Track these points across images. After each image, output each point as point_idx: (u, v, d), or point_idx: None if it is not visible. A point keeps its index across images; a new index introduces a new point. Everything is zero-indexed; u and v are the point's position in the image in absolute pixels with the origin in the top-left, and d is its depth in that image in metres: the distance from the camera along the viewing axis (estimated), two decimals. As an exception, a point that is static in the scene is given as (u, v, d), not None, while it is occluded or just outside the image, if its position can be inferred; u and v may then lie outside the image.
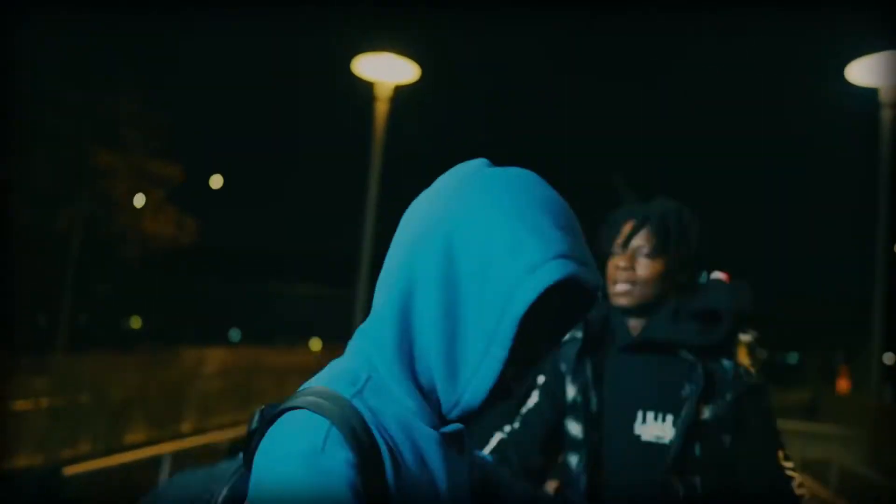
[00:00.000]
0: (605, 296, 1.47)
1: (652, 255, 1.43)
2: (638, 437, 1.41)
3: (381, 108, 9.01)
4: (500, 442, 1.54)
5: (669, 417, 1.39)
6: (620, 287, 1.44)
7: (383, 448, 0.73)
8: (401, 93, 9.38)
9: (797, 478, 1.34)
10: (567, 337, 1.50)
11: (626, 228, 1.45)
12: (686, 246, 1.46)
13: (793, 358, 32.56)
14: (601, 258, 1.49)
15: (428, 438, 0.78)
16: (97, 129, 10.91)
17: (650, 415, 1.41)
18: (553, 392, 1.54)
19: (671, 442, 1.37)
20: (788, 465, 1.35)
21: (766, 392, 1.41)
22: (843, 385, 19.87)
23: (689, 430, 1.35)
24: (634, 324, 1.47)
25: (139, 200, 11.37)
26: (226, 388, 8.32)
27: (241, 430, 6.38)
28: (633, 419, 1.42)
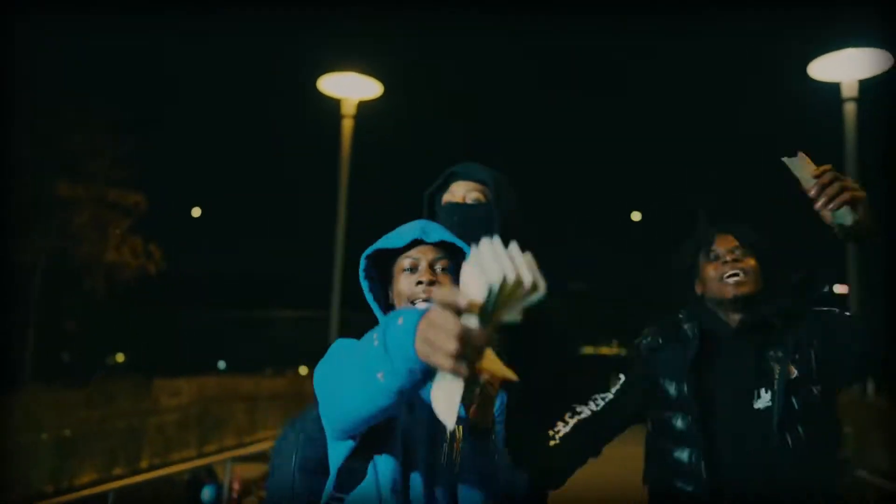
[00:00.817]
0: (693, 300, 1.80)
1: (747, 255, 1.71)
2: (757, 410, 1.63)
3: (347, 125, 9.15)
4: (579, 422, 1.77)
5: (775, 382, 1.64)
6: (734, 279, 1.69)
7: None
8: (365, 108, 9.53)
9: None
10: (650, 341, 1.80)
11: (720, 239, 1.75)
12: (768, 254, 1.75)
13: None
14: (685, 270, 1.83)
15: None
16: (57, 160, 10.78)
17: (762, 390, 1.64)
18: (641, 390, 1.77)
19: (773, 402, 1.61)
20: None
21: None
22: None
23: (787, 389, 1.60)
24: (733, 316, 1.72)
25: (101, 231, 11.20)
26: (190, 419, 8.06)
27: (204, 461, 6.11)
28: (752, 397, 1.64)
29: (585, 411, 1.79)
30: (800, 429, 1.61)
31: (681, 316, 1.79)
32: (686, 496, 1.66)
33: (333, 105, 9.35)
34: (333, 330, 8.69)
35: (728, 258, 1.71)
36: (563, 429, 1.77)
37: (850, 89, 7.31)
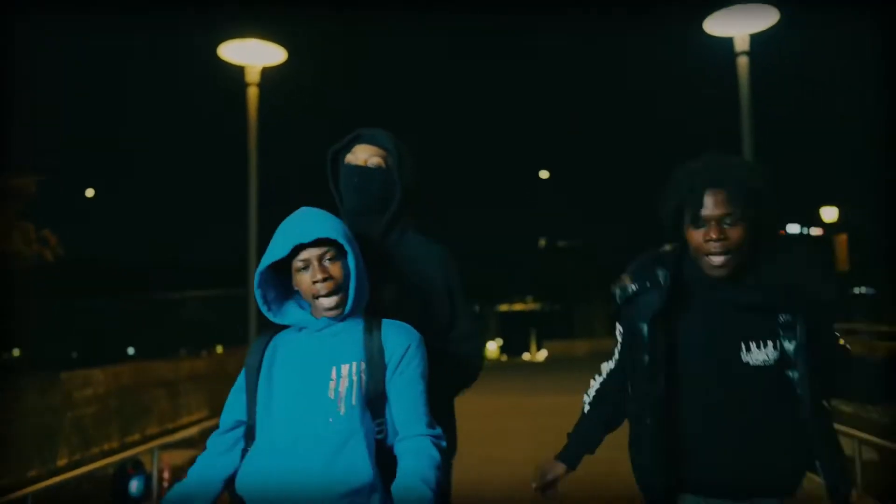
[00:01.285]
0: (679, 246, 1.74)
1: (737, 222, 1.63)
2: (747, 363, 1.68)
3: (253, 93, 8.86)
4: (598, 391, 1.93)
5: (770, 343, 1.67)
6: (717, 260, 1.65)
7: None
8: (271, 75, 9.22)
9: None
10: (635, 289, 1.74)
11: (710, 201, 1.63)
12: (765, 202, 1.67)
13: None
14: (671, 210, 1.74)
15: None
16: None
17: (752, 343, 1.68)
18: (634, 347, 1.76)
19: (777, 363, 1.66)
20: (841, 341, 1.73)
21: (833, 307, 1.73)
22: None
23: (795, 352, 1.65)
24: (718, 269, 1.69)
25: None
26: (108, 410, 7.70)
27: (128, 453, 5.83)
28: (739, 349, 1.68)
29: (596, 382, 1.93)
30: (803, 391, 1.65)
31: (653, 264, 1.75)
32: (651, 428, 1.73)
33: (238, 73, 9.01)
34: (253, 307, 8.51)
35: (713, 234, 1.63)
36: (586, 403, 1.94)
37: (742, 43, 7.81)
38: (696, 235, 1.66)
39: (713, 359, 1.70)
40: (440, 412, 1.89)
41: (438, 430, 1.63)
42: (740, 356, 1.68)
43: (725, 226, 1.62)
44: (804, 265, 1.67)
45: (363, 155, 1.94)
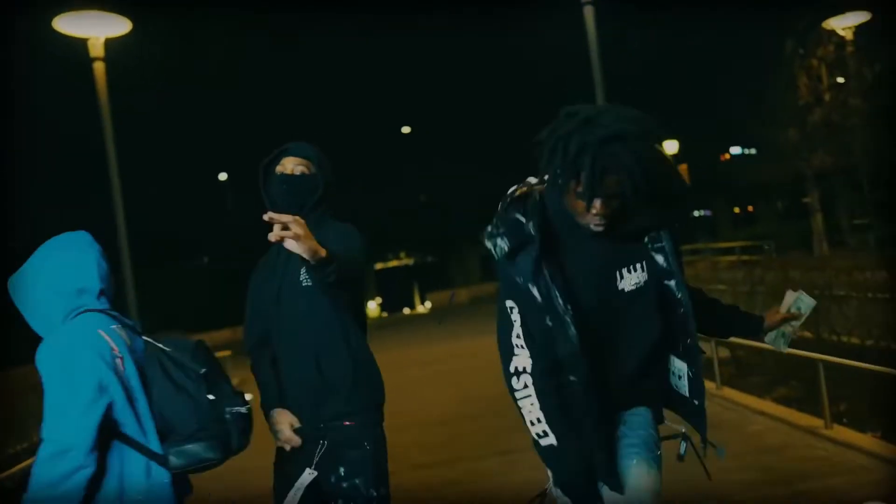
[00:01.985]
0: (588, 191, 1.62)
1: (623, 199, 1.64)
2: (622, 290, 1.76)
3: (99, 67, 8.38)
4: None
5: (639, 265, 1.76)
6: (596, 228, 1.69)
7: None
8: (116, 46, 8.76)
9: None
10: (506, 247, 1.72)
11: (604, 182, 1.59)
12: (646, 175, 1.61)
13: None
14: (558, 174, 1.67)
15: None
16: None
17: (625, 270, 1.76)
18: (526, 303, 1.75)
19: (646, 283, 1.76)
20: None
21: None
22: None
23: (667, 261, 1.78)
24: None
25: None
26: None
27: None
28: (614, 279, 1.76)
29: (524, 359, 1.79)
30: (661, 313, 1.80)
31: (518, 216, 1.73)
32: (573, 386, 1.75)
33: (81, 46, 8.46)
34: (130, 287, 8.26)
35: (597, 210, 1.64)
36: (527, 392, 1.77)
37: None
38: (579, 203, 1.65)
39: (594, 298, 1.73)
40: (367, 365, 2.30)
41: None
42: (616, 286, 1.74)
43: (612, 204, 1.64)
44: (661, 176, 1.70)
45: (290, 165, 2.35)
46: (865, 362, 4.78)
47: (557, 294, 1.69)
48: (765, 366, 6.79)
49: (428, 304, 33.98)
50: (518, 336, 1.77)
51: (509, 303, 1.78)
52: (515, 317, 1.77)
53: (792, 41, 17.56)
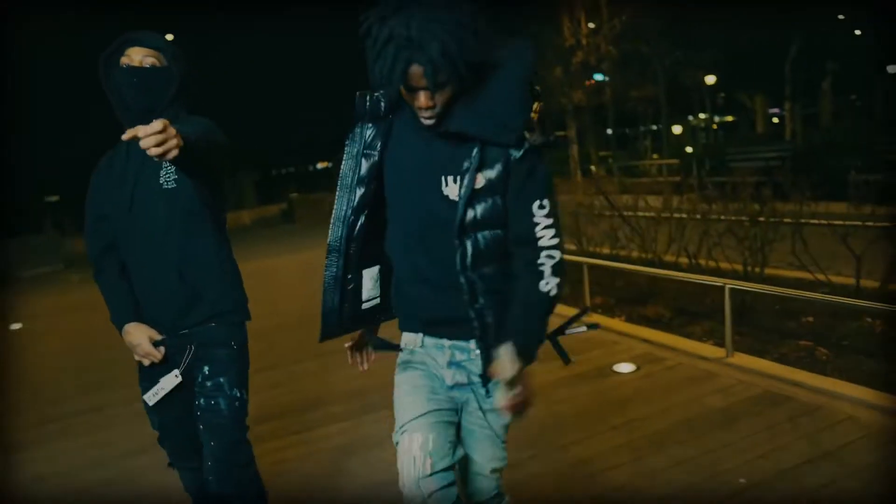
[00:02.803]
0: (388, 83, 1.55)
1: (444, 86, 1.54)
2: (446, 196, 1.65)
3: None
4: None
5: (459, 180, 1.64)
6: (427, 121, 1.61)
7: None
8: None
9: (544, 226, 1.64)
10: (359, 111, 1.70)
11: (414, 74, 1.51)
12: (464, 59, 1.51)
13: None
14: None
15: None
16: None
17: (450, 178, 1.64)
18: (353, 179, 1.75)
19: (473, 194, 1.63)
20: (542, 214, 1.64)
21: (532, 155, 1.63)
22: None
23: (468, 196, 1.62)
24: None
25: None
26: None
27: None
28: (440, 183, 1.65)
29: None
30: (478, 235, 1.65)
31: (377, 96, 1.72)
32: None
33: None
34: None
35: (422, 104, 1.58)
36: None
37: None
38: (407, 97, 1.61)
39: (416, 192, 1.69)
40: (232, 264, 2.24)
41: None
42: (441, 190, 1.65)
43: (434, 93, 1.56)
44: (506, 94, 1.61)
45: (138, 56, 2.08)
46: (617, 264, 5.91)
47: (377, 175, 1.74)
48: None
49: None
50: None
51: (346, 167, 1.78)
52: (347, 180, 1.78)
53: None
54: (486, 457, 1.85)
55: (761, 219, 5.53)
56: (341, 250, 1.79)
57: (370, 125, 1.74)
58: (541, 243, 1.64)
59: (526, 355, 1.61)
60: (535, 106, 1.62)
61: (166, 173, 2.10)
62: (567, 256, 6.04)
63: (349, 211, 1.76)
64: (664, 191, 7.23)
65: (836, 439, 3.12)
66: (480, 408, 1.80)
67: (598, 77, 19.22)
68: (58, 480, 3.61)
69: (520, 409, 1.63)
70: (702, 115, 34.76)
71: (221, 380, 2.15)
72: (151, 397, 2.19)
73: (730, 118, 35.99)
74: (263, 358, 5.42)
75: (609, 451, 3.24)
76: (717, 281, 4.57)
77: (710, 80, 28.53)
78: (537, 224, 1.64)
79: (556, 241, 1.65)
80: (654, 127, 32.01)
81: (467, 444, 1.85)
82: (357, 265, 1.83)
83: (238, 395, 2.17)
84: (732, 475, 2.90)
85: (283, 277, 10.26)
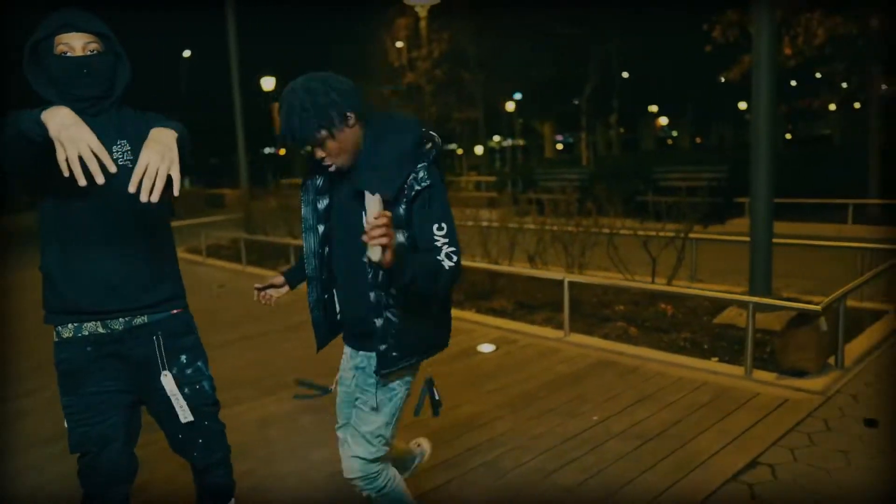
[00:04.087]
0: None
1: (327, 141, 1.94)
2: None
3: None
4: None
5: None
6: (331, 168, 2.03)
7: None
8: None
9: (442, 241, 1.95)
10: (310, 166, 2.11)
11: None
12: (327, 116, 1.90)
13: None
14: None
15: None
16: None
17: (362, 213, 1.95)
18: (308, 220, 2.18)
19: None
20: (440, 234, 1.96)
21: (428, 191, 1.97)
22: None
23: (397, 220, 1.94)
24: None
25: None
26: None
27: None
28: (361, 217, 1.96)
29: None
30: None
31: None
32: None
33: None
34: None
35: (319, 155, 2.00)
36: None
37: None
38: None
39: (342, 229, 2.10)
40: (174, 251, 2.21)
41: None
42: (363, 225, 1.86)
43: (318, 147, 1.96)
44: (394, 157, 1.97)
45: (79, 43, 1.90)
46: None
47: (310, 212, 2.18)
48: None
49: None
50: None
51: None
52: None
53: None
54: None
55: (581, 229, 6.80)
56: (319, 278, 2.22)
57: (318, 176, 2.15)
58: (442, 251, 1.96)
59: (401, 253, 1.80)
60: (430, 146, 2.03)
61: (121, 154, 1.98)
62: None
63: (317, 246, 2.18)
64: (502, 203, 8.35)
65: (653, 387, 4.26)
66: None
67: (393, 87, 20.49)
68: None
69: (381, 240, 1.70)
70: (496, 138, 38.23)
71: (199, 364, 2.17)
72: (181, 413, 2.13)
73: (521, 142, 39.79)
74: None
75: (492, 408, 4.06)
76: (559, 275, 5.66)
77: (511, 107, 31.65)
78: (437, 240, 1.96)
79: (454, 248, 1.96)
80: (454, 146, 34.85)
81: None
82: (329, 286, 2.25)
83: (210, 374, 2.22)
84: (587, 415, 3.87)
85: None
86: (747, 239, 5.51)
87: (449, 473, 3.25)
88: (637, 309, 6.12)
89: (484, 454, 3.45)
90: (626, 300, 6.31)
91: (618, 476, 3.14)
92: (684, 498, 2.93)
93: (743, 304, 5.02)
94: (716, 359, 4.75)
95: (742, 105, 33.32)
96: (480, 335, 5.64)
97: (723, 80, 13.15)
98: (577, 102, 23.12)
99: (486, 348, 5.27)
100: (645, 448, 3.42)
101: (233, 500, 2.32)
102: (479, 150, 36.23)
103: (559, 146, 39.76)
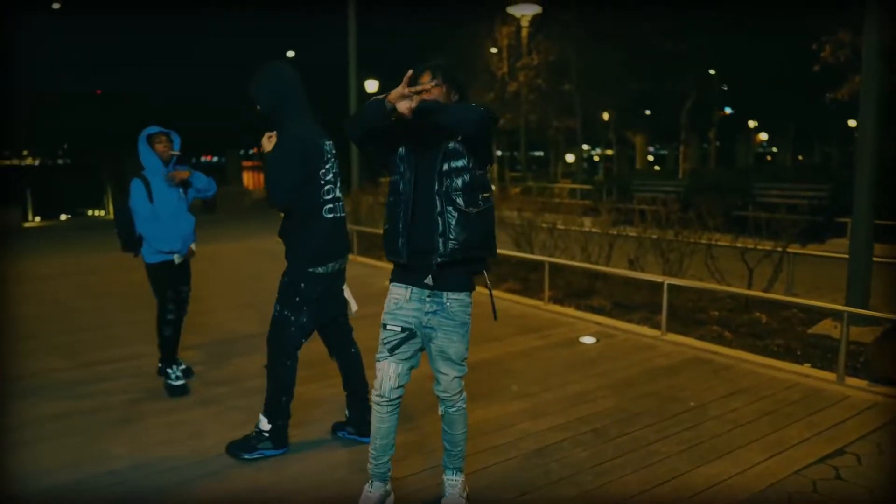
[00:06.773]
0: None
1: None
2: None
3: None
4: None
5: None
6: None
7: None
8: None
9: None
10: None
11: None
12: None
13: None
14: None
15: None
16: None
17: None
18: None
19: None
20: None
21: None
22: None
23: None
24: None
25: None
26: None
27: None
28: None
29: None
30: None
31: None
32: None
33: None
34: None
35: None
36: None
37: None
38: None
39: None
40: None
41: None
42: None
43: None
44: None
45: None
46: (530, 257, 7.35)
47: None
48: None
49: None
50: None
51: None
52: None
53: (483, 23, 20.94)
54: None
55: (681, 238, 7.16)
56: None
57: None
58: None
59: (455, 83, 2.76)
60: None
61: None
62: (528, 256, 7.48)
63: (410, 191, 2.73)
64: (601, 212, 8.78)
65: (746, 383, 4.65)
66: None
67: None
68: None
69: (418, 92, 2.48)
70: (584, 147, 38.17)
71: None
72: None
73: (610, 152, 39.60)
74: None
75: (596, 388, 4.58)
76: (658, 277, 6.08)
77: (605, 116, 31.67)
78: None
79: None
80: (541, 153, 34.97)
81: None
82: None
83: None
84: (685, 400, 4.32)
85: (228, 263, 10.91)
86: (846, 255, 5.76)
87: (560, 434, 3.80)
88: (732, 315, 6.45)
89: (592, 423, 3.97)
90: (722, 307, 6.65)
91: (712, 450, 3.59)
92: (776, 472, 3.35)
93: (838, 315, 5.30)
94: (808, 365, 5.07)
95: (852, 122, 32.04)
96: (582, 328, 6.14)
97: (829, 97, 12.97)
98: (675, 115, 23.02)
99: (588, 340, 5.77)
100: (738, 431, 3.85)
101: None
102: (569, 157, 36.35)
103: (650, 157, 39.31)
